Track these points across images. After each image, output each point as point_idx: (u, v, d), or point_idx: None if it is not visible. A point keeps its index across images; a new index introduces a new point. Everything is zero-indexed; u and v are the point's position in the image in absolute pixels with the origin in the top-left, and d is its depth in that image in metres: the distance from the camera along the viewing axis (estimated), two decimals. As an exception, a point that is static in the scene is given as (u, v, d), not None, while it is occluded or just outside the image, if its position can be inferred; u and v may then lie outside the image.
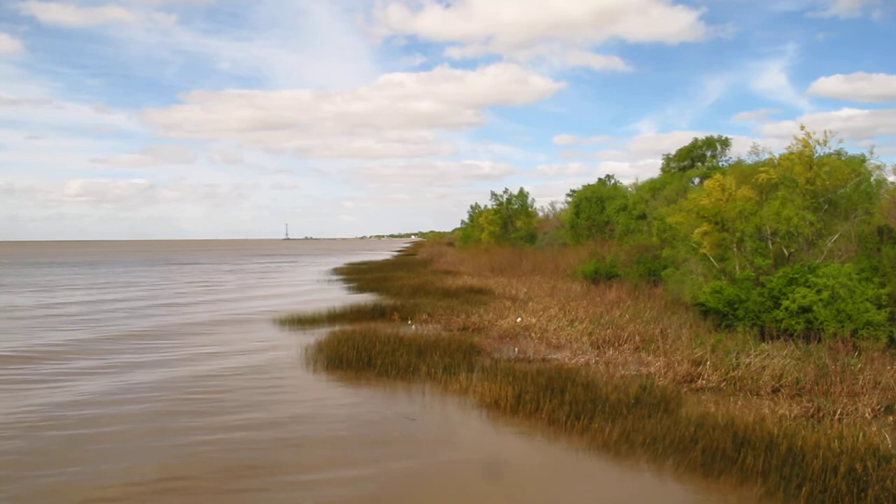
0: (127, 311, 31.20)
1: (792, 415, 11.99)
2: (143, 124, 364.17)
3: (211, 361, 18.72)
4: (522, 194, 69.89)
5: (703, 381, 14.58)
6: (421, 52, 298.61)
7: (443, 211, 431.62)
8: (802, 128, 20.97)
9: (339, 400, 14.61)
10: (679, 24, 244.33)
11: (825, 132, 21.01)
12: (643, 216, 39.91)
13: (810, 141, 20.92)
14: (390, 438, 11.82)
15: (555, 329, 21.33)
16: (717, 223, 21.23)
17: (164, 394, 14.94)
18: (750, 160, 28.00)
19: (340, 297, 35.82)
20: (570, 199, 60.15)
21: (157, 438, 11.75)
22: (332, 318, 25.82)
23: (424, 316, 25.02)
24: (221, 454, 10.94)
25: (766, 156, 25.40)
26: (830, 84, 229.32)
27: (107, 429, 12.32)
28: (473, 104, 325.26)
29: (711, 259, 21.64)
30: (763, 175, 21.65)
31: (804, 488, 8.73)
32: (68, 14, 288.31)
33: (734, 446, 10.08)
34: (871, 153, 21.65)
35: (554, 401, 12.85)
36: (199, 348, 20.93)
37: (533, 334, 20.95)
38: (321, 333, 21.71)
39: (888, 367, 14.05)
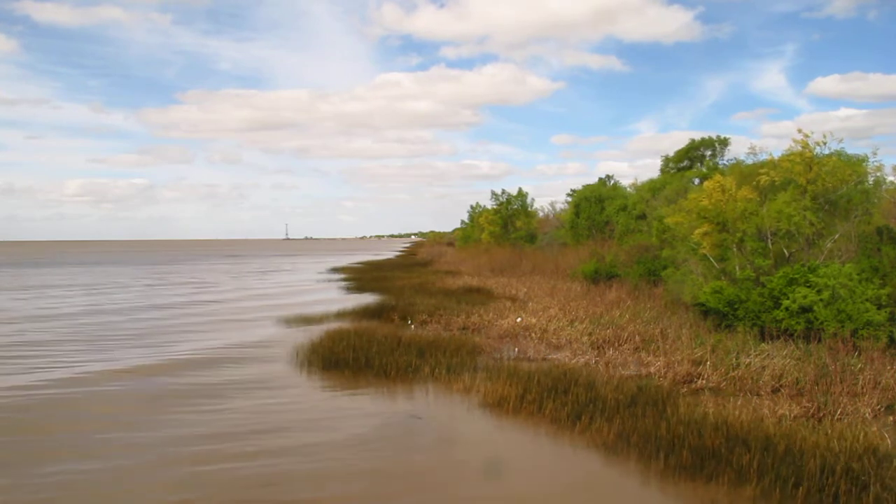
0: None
1: (792, 415, 12.02)
2: (141, 124, 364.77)
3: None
4: (522, 194, 69.99)
5: (703, 381, 14.62)
6: (416, 52, 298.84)
7: (443, 211, 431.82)
8: (800, 130, 21.11)
9: (340, 399, 14.65)
10: (675, 24, 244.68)
11: (823, 134, 21.14)
12: (643, 216, 39.91)
13: (809, 142, 20.99)
14: (396, 437, 11.87)
15: (555, 329, 21.34)
16: (717, 223, 21.26)
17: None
18: (749, 161, 28.04)
19: (342, 296, 35.86)
20: (569, 199, 60.32)
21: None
22: (338, 316, 25.88)
23: (424, 316, 25.03)
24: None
25: (765, 156, 25.49)
26: (827, 84, 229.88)
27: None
28: (471, 104, 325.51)
29: (711, 259, 21.66)
30: (765, 177, 21.67)
31: (801, 488, 8.78)
32: (63, 14, 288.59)
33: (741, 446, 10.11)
34: (874, 154, 21.70)
35: (556, 401, 12.89)
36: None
37: (533, 334, 20.96)
38: (322, 333, 21.69)
39: (888, 367, 14.07)
